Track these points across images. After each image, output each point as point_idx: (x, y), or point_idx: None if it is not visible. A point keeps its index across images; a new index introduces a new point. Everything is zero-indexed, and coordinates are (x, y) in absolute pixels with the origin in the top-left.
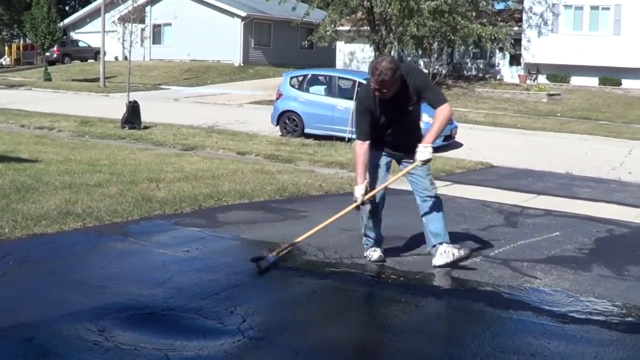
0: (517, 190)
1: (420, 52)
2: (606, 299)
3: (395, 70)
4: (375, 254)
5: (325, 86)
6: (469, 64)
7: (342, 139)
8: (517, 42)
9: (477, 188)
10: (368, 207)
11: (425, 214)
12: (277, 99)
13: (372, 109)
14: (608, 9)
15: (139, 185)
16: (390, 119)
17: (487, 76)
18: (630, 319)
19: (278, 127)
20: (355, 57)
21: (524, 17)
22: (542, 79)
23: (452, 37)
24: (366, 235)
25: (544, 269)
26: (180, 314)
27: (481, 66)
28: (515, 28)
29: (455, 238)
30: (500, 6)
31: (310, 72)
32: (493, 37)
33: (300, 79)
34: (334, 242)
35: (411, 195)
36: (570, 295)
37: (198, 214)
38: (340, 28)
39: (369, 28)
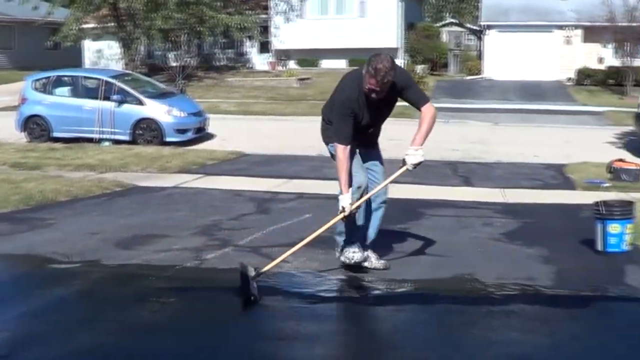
0: (270, 177)
1: (169, 45)
2: (353, 275)
3: (395, 69)
4: (358, 254)
5: (70, 87)
6: (219, 55)
7: (90, 139)
8: (265, 29)
9: (229, 178)
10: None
11: (371, 218)
12: (21, 104)
13: (357, 110)
14: None
15: None
16: (372, 120)
17: (237, 65)
18: (377, 292)
19: (24, 133)
20: (102, 54)
21: (271, 4)
22: (292, 64)
23: (200, 29)
24: (340, 234)
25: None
26: None
27: (231, 56)
28: (263, 15)
29: (204, 230)
30: None
31: (54, 74)
32: (241, 26)
33: (44, 81)
34: (82, 247)
35: (159, 193)
36: (319, 276)
37: None
38: (86, 26)
39: (115, 24)
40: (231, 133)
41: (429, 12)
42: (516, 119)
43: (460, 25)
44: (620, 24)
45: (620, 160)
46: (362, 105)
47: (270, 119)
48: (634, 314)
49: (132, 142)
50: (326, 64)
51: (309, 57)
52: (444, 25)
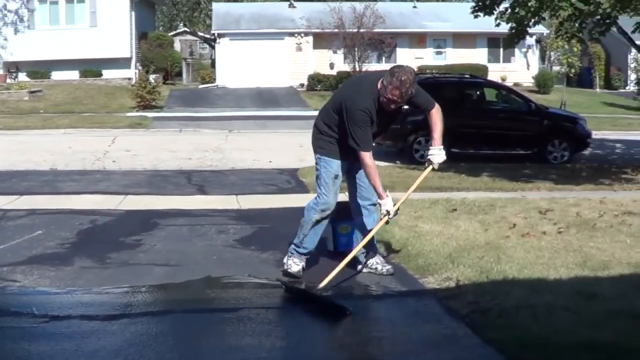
0: None
1: None
2: (86, 290)
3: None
4: (298, 266)
5: None
6: None
7: None
8: None
9: None
10: (317, 216)
11: (364, 223)
12: None
13: (374, 118)
14: (84, 2)
15: None
16: (381, 128)
17: None
18: (108, 306)
19: None
20: None
21: None
22: (23, 76)
23: None
24: (302, 246)
25: (25, 270)
26: None
27: None
28: None
29: None
30: None
31: None
32: None
33: None
34: None
35: None
36: (50, 293)
37: None
38: None
39: None
40: None
41: (162, 21)
42: (251, 126)
43: (193, 34)
44: (349, 30)
45: None
46: (375, 113)
47: (0, 134)
48: (362, 309)
49: None
50: (57, 75)
51: (39, 69)
52: (177, 34)
